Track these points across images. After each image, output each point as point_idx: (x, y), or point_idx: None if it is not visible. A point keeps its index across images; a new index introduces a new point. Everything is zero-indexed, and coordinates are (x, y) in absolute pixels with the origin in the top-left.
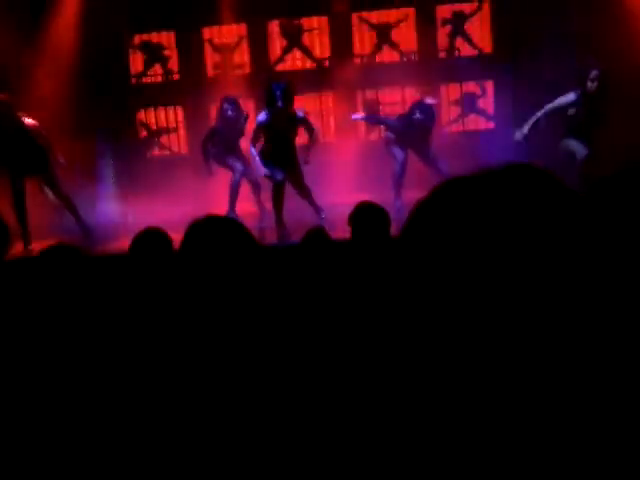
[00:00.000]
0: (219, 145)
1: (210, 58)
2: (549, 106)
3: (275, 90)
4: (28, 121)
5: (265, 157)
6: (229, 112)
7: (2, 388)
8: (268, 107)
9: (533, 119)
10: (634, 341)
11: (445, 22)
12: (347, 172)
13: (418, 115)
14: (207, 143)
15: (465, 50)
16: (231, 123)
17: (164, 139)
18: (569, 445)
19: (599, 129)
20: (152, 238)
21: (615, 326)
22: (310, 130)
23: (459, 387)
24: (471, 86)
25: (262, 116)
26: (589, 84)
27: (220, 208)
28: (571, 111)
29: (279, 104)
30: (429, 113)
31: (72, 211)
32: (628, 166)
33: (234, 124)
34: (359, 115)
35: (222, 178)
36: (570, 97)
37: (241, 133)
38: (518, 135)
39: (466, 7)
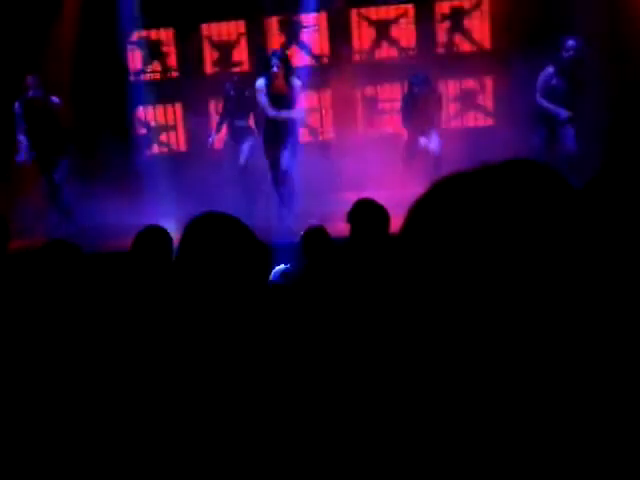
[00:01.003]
0: (229, 128)
1: (209, 55)
2: (539, 88)
3: (271, 56)
4: (56, 101)
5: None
6: (231, 92)
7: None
8: (265, 73)
9: (546, 106)
10: (634, 339)
11: (444, 18)
12: (346, 169)
13: (416, 89)
14: (219, 126)
15: (464, 46)
16: (234, 102)
17: (163, 136)
18: (569, 445)
19: (579, 97)
20: (153, 236)
21: (615, 322)
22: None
23: (459, 386)
24: (470, 82)
25: (260, 81)
26: (564, 54)
27: (220, 205)
28: (554, 82)
29: (274, 69)
30: (425, 81)
31: (58, 200)
32: (625, 162)
33: (238, 103)
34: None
35: (222, 177)
36: (548, 71)
37: (247, 110)
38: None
39: (465, 3)
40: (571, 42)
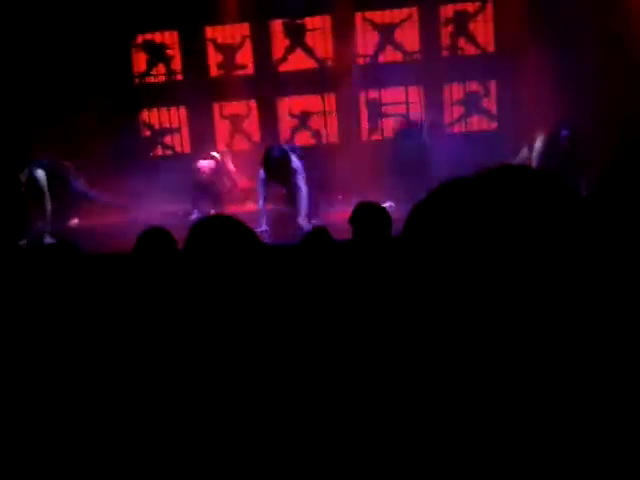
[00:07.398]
0: None
1: (213, 58)
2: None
3: (269, 156)
4: (80, 187)
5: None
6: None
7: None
8: (265, 169)
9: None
10: (634, 339)
11: (448, 21)
12: (349, 172)
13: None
14: None
15: (468, 49)
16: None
17: (167, 139)
18: (569, 445)
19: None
20: (156, 237)
21: (615, 324)
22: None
23: (459, 386)
24: (474, 86)
25: (261, 172)
26: (560, 143)
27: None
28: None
29: (272, 166)
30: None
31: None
32: (627, 165)
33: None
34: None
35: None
36: (538, 147)
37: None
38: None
39: (469, 6)
40: (565, 132)
